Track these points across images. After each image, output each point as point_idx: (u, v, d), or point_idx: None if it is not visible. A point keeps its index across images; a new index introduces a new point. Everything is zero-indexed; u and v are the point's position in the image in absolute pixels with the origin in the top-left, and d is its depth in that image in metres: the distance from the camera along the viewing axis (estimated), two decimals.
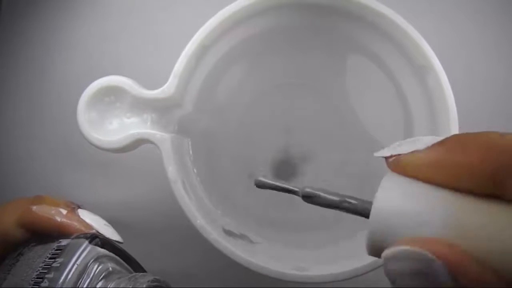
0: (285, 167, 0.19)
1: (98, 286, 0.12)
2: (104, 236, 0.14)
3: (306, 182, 0.18)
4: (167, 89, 0.16)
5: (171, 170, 0.15)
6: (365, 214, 0.10)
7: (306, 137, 0.19)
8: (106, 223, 0.16)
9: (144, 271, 0.15)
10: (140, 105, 0.16)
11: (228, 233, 0.16)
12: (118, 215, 0.21)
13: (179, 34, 0.18)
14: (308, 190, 0.11)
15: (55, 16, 0.22)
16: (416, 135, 0.17)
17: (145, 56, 0.22)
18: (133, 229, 0.21)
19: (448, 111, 0.16)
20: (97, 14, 0.22)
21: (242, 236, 0.17)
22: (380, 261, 0.15)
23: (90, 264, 0.12)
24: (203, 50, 0.16)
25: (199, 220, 0.15)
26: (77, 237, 0.13)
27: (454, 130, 0.16)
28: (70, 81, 0.21)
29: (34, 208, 0.14)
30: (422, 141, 0.10)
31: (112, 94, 0.16)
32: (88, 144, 0.16)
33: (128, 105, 0.16)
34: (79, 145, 0.21)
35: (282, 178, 0.19)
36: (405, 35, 0.16)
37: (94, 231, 0.14)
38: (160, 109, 0.16)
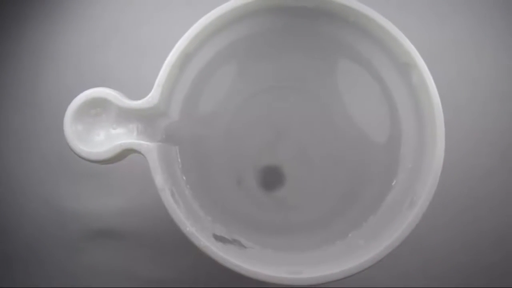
0: (275, 171, 0.19)
1: None
2: None
3: (296, 186, 0.18)
4: (151, 98, 0.16)
5: (159, 179, 0.15)
6: None
7: (296, 140, 0.19)
8: None
9: None
10: (125, 116, 0.16)
11: (220, 239, 0.16)
12: (112, 224, 0.21)
13: (165, 43, 0.18)
14: None
15: (42, 27, 0.22)
16: (403, 132, 0.17)
17: (132, 65, 0.22)
18: (127, 237, 0.21)
19: (433, 108, 0.16)
20: (84, 25, 0.22)
21: (233, 241, 0.17)
22: (373, 260, 0.15)
23: None
24: (186, 58, 0.17)
25: (188, 228, 0.15)
26: None
27: (440, 126, 0.16)
28: (59, 91, 0.22)
29: None
30: None
31: (98, 106, 0.16)
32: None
33: (114, 116, 0.16)
34: (71, 155, 0.21)
35: (272, 183, 0.19)
36: (387, 34, 0.16)
37: None
38: (146, 119, 0.16)
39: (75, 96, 0.16)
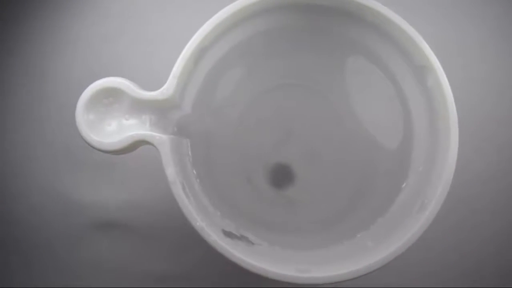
0: (285, 170, 0.19)
1: None
2: None
3: (305, 185, 0.18)
4: (166, 90, 0.16)
5: (170, 171, 0.15)
6: None
7: (306, 139, 0.19)
8: None
9: None
10: (138, 107, 0.16)
11: (228, 234, 0.16)
12: (119, 216, 0.21)
13: (178, 35, 0.18)
14: None
15: (54, 17, 0.22)
16: (415, 135, 0.17)
17: (144, 57, 0.22)
18: (134, 230, 0.21)
19: (448, 112, 0.16)
20: (97, 15, 0.22)
21: (241, 238, 0.17)
22: (382, 262, 0.15)
23: None
24: (201, 51, 0.16)
25: (199, 222, 0.15)
26: None
27: (454, 131, 0.16)
28: (69, 82, 0.21)
29: None
30: None
31: (111, 96, 0.16)
32: (87, 145, 0.16)
33: (126, 106, 0.16)
34: (79, 146, 0.21)
35: (281, 181, 0.19)
36: (404, 35, 0.16)
37: None
38: (159, 111, 0.16)
39: (86, 87, 0.16)
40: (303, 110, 0.19)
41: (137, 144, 0.16)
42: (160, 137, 0.16)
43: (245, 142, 0.19)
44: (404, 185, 0.17)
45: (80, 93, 0.16)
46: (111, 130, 0.16)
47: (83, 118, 0.15)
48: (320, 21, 0.18)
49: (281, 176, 0.19)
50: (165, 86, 0.16)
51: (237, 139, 0.19)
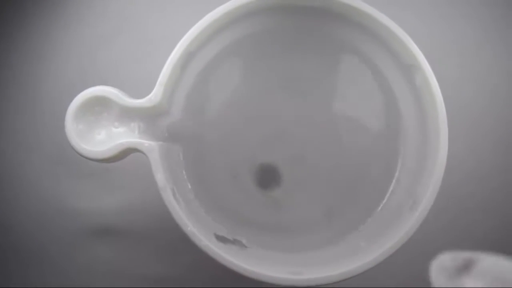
0: (272, 170, 0.19)
1: None
2: None
3: (294, 187, 0.18)
4: (153, 97, 0.16)
5: (160, 177, 0.15)
6: None
7: (295, 140, 0.19)
8: None
9: None
10: (127, 115, 0.16)
11: (221, 238, 0.16)
12: (113, 222, 0.21)
13: (167, 40, 0.18)
14: None
15: (45, 24, 0.22)
16: (406, 134, 0.17)
17: (135, 63, 0.22)
18: (129, 235, 0.21)
19: (437, 111, 0.16)
20: (86, 23, 0.22)
21: (234, 241, 0.17)
22: (373, 262, 0.15)
23: None
24: (188, 56, 0.16)
25: (190, 227, 0.15)
26: None
27: (443, 129, 0.16)
28: (62, 89, 0.22)
29: None
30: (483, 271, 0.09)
31: (99, 105, 0.16)
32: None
33: (115, 115, 0.16)
34: (72, 153, 0.21)
35: (268, 182, 0.19)
36: (391, 35, 0.16)
37: None
38: (148, 118, 0.16)
39: (77, 94, 0.16)
40: (293, 111, 0.19)
41: (127, 152, 0.16)
42: (149, 144, 0.16)
43: (235, 144, 0.19)
44: (394, 185, 0.17)
45: (71, 100, 0.16)
46: (101, 139, 0.16)
47: (72, 127, 0.16)
48: (308, 22, 0.17)
49: (269, 177, 0.19)
50: (152, 94, 0.16)
51: (227, 141, 0.19)
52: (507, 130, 0.22)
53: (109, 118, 0.16)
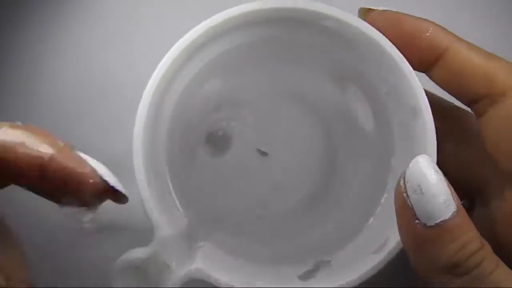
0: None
1: None
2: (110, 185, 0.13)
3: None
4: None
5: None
6: None
7: (285, 155, 0.19)
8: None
9: None
10: None
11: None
12: (114, 219, 0.22)
13: (167, 40, 0.18)
14: None
15: (42, 28, 0.22)
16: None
17: (133, 64, 0.22)
18: (129, 233, 0.22)
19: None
20: (84, 26, 0.22)
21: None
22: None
23: None
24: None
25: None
26: None
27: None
28: (61, 90, 0.22)
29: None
30: None
31: None
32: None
33: None
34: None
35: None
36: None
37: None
38: None
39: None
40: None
41: None
42: None
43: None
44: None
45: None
46: None
47: None
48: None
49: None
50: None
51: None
52: None
53: None
